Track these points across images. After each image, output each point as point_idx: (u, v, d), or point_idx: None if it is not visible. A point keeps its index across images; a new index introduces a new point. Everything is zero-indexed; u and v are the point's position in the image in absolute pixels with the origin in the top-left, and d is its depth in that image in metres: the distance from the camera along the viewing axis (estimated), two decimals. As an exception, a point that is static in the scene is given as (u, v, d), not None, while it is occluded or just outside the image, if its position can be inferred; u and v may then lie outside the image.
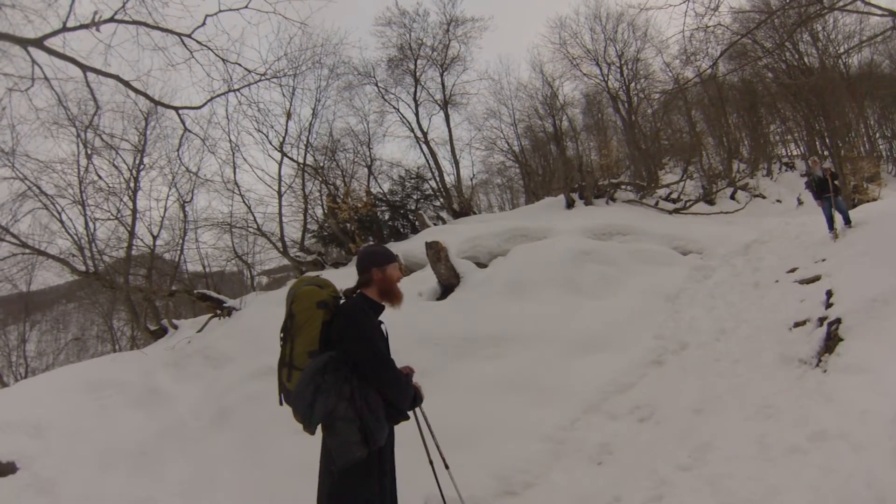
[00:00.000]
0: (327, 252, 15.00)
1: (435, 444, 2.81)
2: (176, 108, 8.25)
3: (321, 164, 15.18)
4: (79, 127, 9.88)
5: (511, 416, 4.36)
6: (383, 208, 16.15)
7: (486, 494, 3.50)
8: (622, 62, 20.37)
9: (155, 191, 17.71)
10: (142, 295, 10.39)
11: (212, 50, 7.38)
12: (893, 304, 4.04)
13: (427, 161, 17.74)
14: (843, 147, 19.62)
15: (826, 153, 19.99)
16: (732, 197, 16.22)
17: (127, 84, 7.26)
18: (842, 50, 20.83)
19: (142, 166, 11.54)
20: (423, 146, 17.87)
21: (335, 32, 32.30)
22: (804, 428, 3.03)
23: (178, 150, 10.90)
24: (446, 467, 2.82)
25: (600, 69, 20.50)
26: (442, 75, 18.32)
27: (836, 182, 7.92)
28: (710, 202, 15.15)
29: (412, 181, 16.94)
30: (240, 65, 7.90)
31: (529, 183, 21.50)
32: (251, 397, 5.30)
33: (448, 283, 7.52)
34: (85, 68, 6.75)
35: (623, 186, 15.08)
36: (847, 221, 7.54)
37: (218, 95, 8.74)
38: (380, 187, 16.84)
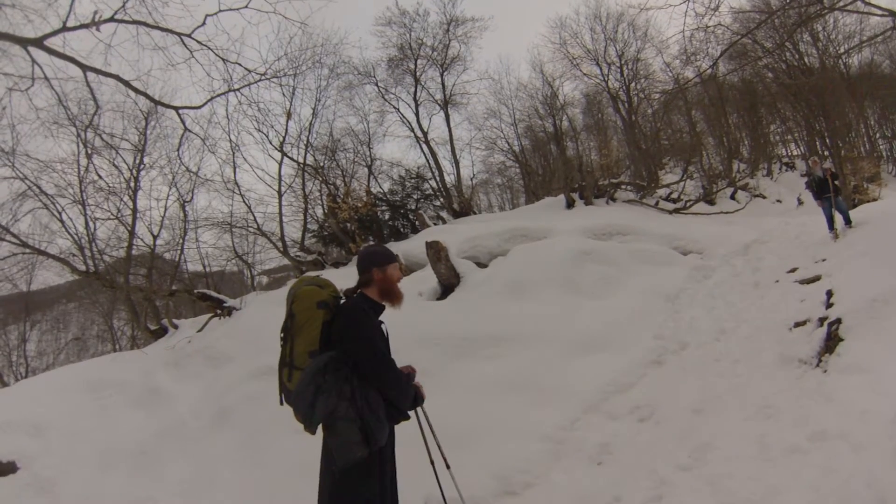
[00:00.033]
0: (327, 252, 15.00)
1: (436, 443, 2.81)
2: (176, 108, 8.25)
3: (321, 164, 15.17)
4: (79, 127, 9.89)
5: (511, 416, 4.37)
6: (383, 208, 16.15)
7: (485, 494, 3.50)
8: (622, 62, 20.38)
9: (155, 190, 17.69)
10: (142, 295, 10.38)
11: (212, 50, 7.39)
12: (893, 304, 4.04)
13: (427, 161, 17.77)
14: (843, 147, 19.59)
15: (826, 153, 19.97)
16: (732, 197, 16.21)
17: (127, 84, 7.26)
18: (842, 50, 20.83)
19: (142, 166, 11.56)
20: (424, 146, 17.88)
21: (335, 32, 32.35)
22: (804, 428, 3.04)
23: (178, 150, 10.86)
24: (447, 467, 2.82)
25: (600, 69, 20.52)
26: (442, 75, 18.34)
27: (836, 182, 7.92)
28: (711, 202, 15.14)
29: (412, 181, 16.95)
30: (240, 64, 7.91)
31: (529, 183, 21.49)
32: (251, 397, 5.30)
33: (448, 283, 7.53)
34: (85, 68, 6.75)
35: (623, 186, 15.07)
36: (847, 221, 7.55)
37: (218, 95, 8.76)
38: (380, 187, 16.87)
